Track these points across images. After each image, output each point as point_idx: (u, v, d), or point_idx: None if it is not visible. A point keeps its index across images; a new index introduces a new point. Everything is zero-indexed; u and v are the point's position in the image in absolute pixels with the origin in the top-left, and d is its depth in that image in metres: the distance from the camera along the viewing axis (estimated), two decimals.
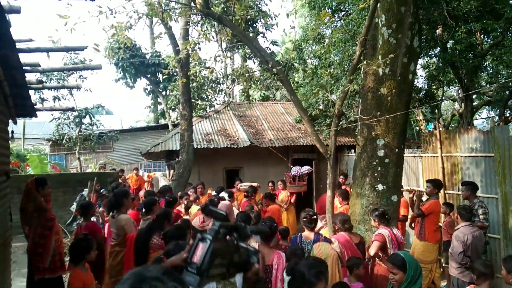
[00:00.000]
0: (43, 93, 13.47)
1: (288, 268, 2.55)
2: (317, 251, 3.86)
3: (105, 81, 51.74)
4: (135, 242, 4.30)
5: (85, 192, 9.82)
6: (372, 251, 4.31)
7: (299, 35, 12.93)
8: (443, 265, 6.74)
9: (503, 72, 9.86)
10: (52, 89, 13.54)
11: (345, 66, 9.36)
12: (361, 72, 5.61)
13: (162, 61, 17.92)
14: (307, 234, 4.34)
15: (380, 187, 5.23)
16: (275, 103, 16.61)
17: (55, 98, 14.15)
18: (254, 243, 3.91)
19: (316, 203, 9.25)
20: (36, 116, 5.60)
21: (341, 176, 9.45)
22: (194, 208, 6.59)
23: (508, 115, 12.16)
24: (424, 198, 6.45)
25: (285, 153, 12.22)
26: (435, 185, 6.17)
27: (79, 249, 3.75)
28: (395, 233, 4.55)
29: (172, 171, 12.87)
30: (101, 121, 17.17)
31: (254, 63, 16.41)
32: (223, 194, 7.09)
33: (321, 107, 12.40)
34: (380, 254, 4.38)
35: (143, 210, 5.52)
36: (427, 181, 6.29)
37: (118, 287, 1.06)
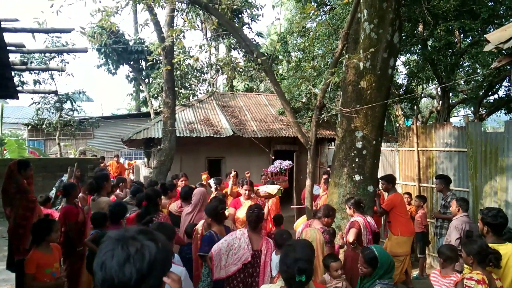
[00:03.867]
0: (23, 76, 13.23)
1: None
2: (305, 234, 4.02)
3: (86, 67, 50.82)
4: (136, 222, 4.44)
5: (65, 177, 9.73)
6: (350, 238, 4.48)
7: (284, 27, 13.02)
8: (418, 255, 7.01)
9: (479, 71, 10.20)
10: (35, 72, 13.28)
11: (328, 60, 9.51)
12: (343, 65, 5.75)
13: (146, 48, 17.75)
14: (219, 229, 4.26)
15: (357, 177, 5.41)
16: (258, 94, 16.71)
17: (36, 82, 13.90)
18: (244, 229, 3.93)
19: (301, 195, 9.38)
20: (17, 98, 5.54)
21: (329, 168, 9.44)
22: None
23: (483, 112, 12.58)
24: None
25: (267, 144, 12.36)
26: (388, 180, 6.24)
27: (39, 230, 3.76)
28: (369, 221, 4.74)
29: (150, 159, 12.85)
30: (82, 107, 16.94)
31: (239, 53, 16.44)
32: (211, 181, 7.22)
33: (303, 100, 12.57)
34: (355, 242, 4.56)
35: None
36: (380, 178, 6.29)
37: (100, 247, 1.17)
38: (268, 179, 8.75)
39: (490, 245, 3.43)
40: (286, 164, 9.29)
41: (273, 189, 6.11)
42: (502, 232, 3.62)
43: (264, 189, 6.15)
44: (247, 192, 5.94)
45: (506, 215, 3.70)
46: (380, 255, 2.94)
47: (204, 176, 8.47)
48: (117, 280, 1.10)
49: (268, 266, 3.70)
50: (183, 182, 7.28)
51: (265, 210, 5.83)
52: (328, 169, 9.07)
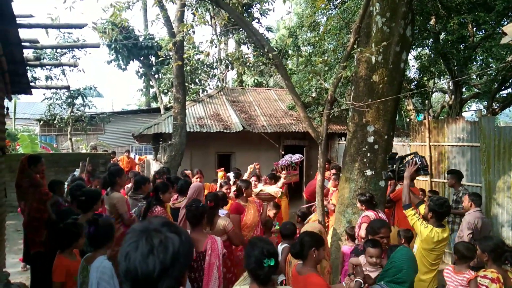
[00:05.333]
0: (35, 72, 13.38)
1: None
2: (306, 227, 4.06)
3: (96, 63, 51.25)
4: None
5: (77, 172, 9.85)
6: (362, 233, 4.47)
7: (294, 21, 12.95)
8: None
9: (493, 65, 10.04)
10: (48, 67, 13.45)
11: (339, 54, 9.44)
12: (354, 59, 5.71)
13: (156, 44, 17.82)
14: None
15: (368, 172, 5.37)
16: (268, 89, 16.67)
17: (47, 78, 14.06)
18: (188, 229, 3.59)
19: (305, 188, 9.31)
20: (31, 93, 5.61)
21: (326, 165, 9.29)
22: None
23: (495, 107, 12.40)
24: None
25: (277, 139, 12.35)
26: None
27: (68, 235, 3.48)
28: (380, 216, 4.72)
29: (158, 154, 12.91)
30: (93, 103, 17.12)
31: (248, 48, 16.42)
32: (231, 174, 7.19)
33: (313, 94, 12.52)
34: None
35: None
36: None
37: (124, 239, 1.18)
38: (279, 173, 8.66)
39: (430, 227, 3.67)
40: (296, 157, 9.15)
41: (275, 191, 5.77)
42: (443, 219, 3.86)
43: (266, 190, 5.79)
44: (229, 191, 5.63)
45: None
46: (394, 257, 2.79)
47: (220, 174, 7.94)
48: (141, 271, 1.11)
49: (215, 268, 3.36)
50: (198, 179, 6.91)
51: (264, 213, 5.50)
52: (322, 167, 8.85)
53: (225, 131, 11.67)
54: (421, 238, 3.71)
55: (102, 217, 3.77)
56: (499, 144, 6.17)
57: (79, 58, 14.51)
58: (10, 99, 5.53)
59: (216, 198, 4.39)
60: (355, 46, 5.15)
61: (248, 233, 4.95)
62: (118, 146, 20.15)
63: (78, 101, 15.85)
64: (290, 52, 14.85)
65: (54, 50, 13.68)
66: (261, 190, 5.61)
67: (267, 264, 2.23)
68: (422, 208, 4.04)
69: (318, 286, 2.78)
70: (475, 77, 12.24)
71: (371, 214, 4.65)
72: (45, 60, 12.82)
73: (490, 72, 10.26)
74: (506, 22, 8.67)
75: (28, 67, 5.74)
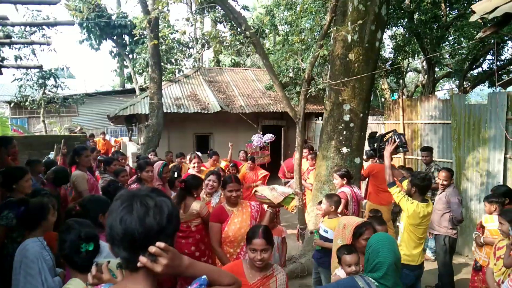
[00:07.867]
0: (3, 52, 12.84)
1: None
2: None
3: (68, 42, 49.51)
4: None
5: (52, 155, 9.65)
6: (338, 208, 4.60)
7: (271, 0, 12.84)
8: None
9: (464, 44, 10.28)
10: (16, 47, 12.94)
11: (316, 33, 9.46)
12: (331, 38, 5.77)
13: (129, 22, 17.35)
14: None
15: (344, 150, 5.52)
16: (246, 69, 16.59)
17: (17, 58, 13.53)
18: None
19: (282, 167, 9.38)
20: (1, 73, 5.42)
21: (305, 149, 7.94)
22: None
23: (467, 86, 12.76)
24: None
25: (255, 119, 12.40)
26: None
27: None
28: (355, 191, 4.88)
29: (132, 135, 12.72)
30: (66, 84, 16.62)
31: (225, 27, 16.20)
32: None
33: (291, 74, 12.55)
34: (344, 211, 4.70)
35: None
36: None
37: (113, 205, 1.21)
38: (249, 154, 8.28)
39: (416, 203, 3.78)
40: (268, 137, 8.98)
41: (276, 195, 3.30)
42: (426, 193, 3.95)
43: (263, 191, 3.38)
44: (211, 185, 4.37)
45: (431, 179, 4.29)
46: (371, 241, 2.39)
47: (223, 163, 7.17)
48: (138, 232, 1.14)
49: None
50: (196, 164, 5.80)
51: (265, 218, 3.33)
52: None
53: (202, 111, 11.62)
54: (408, 214, 3.83)
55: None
56: (469, 121, 6.39)
57: (49, 37, 14.00)
58: None
59: (193, 181, 4.08)
60: (332, 24, 5.20)
61: (233, 249, 3.44)
62: (93, 128, 19.74)
63: (50, 82, 15.36)
64: (267, 31, 14.75)
65: (23, 28, 13.15)
66: (256, 191, 3.48)
67: (85, 249, 2.08)
68: (405, 184, 4.14)
69: None
70: (447, 57, 12.51)
71: (347, 190, 4.79)
72: (14, 39, 12.34)
73: (462, 51, 10.51)
74: (477, 1, 8.84)
75: (2, 44, 5.52)
